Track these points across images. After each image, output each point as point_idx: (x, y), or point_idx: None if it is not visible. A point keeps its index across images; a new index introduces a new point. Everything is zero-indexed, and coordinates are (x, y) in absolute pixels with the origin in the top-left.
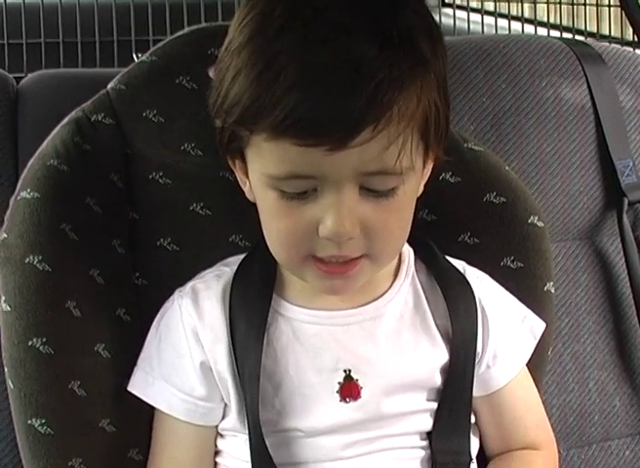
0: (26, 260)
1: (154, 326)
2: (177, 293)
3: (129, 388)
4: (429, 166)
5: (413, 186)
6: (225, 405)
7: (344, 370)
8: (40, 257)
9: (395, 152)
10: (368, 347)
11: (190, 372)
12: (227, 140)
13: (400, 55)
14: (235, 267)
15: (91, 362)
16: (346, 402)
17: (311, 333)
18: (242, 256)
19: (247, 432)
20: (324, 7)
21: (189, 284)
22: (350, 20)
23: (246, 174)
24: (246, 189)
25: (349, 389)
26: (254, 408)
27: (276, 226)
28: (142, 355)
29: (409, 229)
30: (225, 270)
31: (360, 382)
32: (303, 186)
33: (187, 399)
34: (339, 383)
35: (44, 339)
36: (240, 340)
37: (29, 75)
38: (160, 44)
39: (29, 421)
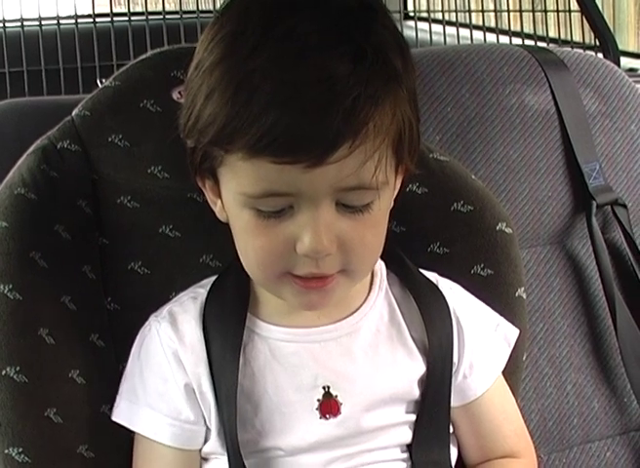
0: None
1: (134, 353)
2: (153, 319)
3: (113, 418)
4: (400, 178)
5: (387, 201)
6: (207, 427)
7: (323, 387)
8: (10, 286)
9: (372, 167)
10: (346, 363)
11: (176, 396)
12: (200, 160)
13: (374, 70)
14: (207, 287)
15: (66, 389)
16: (326, 418)
17: (289, 352)
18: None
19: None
20: (296, 24)
21: (165, 308)
22: (323, 38)
23: (217, 194)
24: (216, 209)
25: (329, 406)
26: (232, 428)
27: (252, 245)
28: (125, 384)
29: (383, 243)
30: (201, 292)
31: (339, 398)
32: (280, 204)
33: (174, 423)
34: (318, 400)
35: (17, 368)
36: (216, 361)
37: None
38: (123, 68)
39: (6, 451)
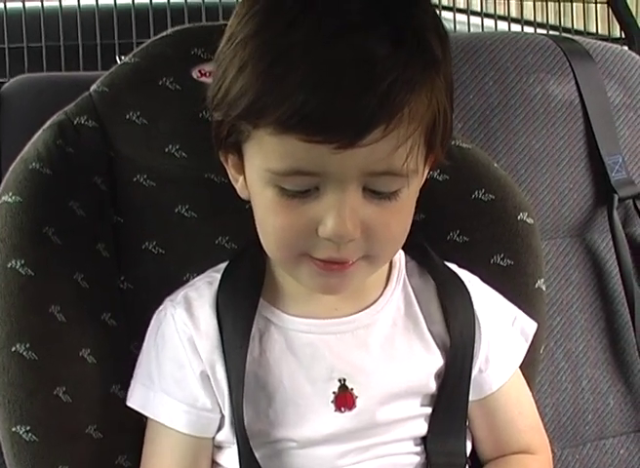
0: (9, 265)
1: (149, 337)
2: (168, 303)
3: (128, 403)
4: (427, 169)
5: (414, 189)
6: (222, 416)
7: (339, 380)
8: (23, 261)
9: (403, 154)
10: (362, 356)
11: (192, 383)
12: (226, 134)
13: (413, 55)
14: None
15: (76, 367)
16: (341, 411)
17: (305, 343)
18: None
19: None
20: (336, 1)
21: (181, 292)
22: (364, 17)
23: (239, 170)
24: (238, 186)
25: (344, 399)
26: (239, 416)
27: (272, 223)
28: (140, 368)
29: (407, 231)
30: (216, 276)
31: (355, 392)
32: (305, 184)
33: (190, 410)
34: (333, 393)
35: (28, 345)
36: (228, 347)
37: (12, 79)
38: (143, 45)
39: (14, 428)
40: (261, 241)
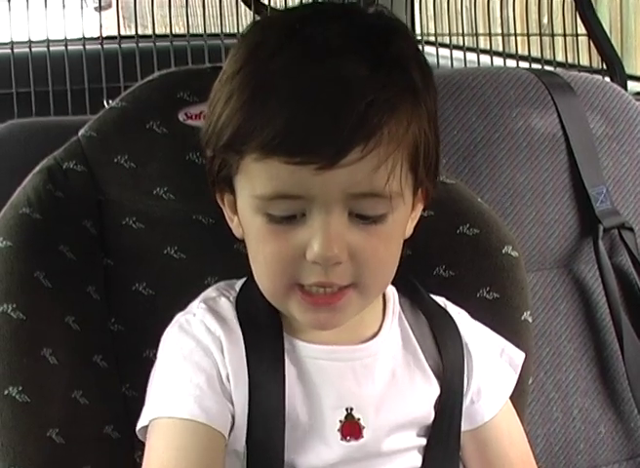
0: (0, 309)
1: (166, 353)
2: (185, 315)
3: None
4: (420, 206)
5: (402, 217)
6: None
7: (346, 409)
8: (14, 306)
9: (385, 175)
10: (369, 386)
11: (224, 380)
12: (218, 169)
13: (391, 78)
14: (232, 291)
15: (68, 409)
16: (347, 440)
17: (316, 370)
18: (236, 282)
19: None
20: (317, 33)
21: (195, 305)
22: (343, 44)
23: (234, 210)
24: (233, 226)
25: (351, 428)
26: (278, 451)
27: (262, 251)
28: (157, 385)
29: (397, 263)
30: (224, 292)
31: (362, 422)
32: (291, 209)
33: (214, 398)
34: (340, 421)
35: (20, 388)
36: (257, 377)
37: (1, 125)
38: (130, 90)
39: None
40: (255, 276)
